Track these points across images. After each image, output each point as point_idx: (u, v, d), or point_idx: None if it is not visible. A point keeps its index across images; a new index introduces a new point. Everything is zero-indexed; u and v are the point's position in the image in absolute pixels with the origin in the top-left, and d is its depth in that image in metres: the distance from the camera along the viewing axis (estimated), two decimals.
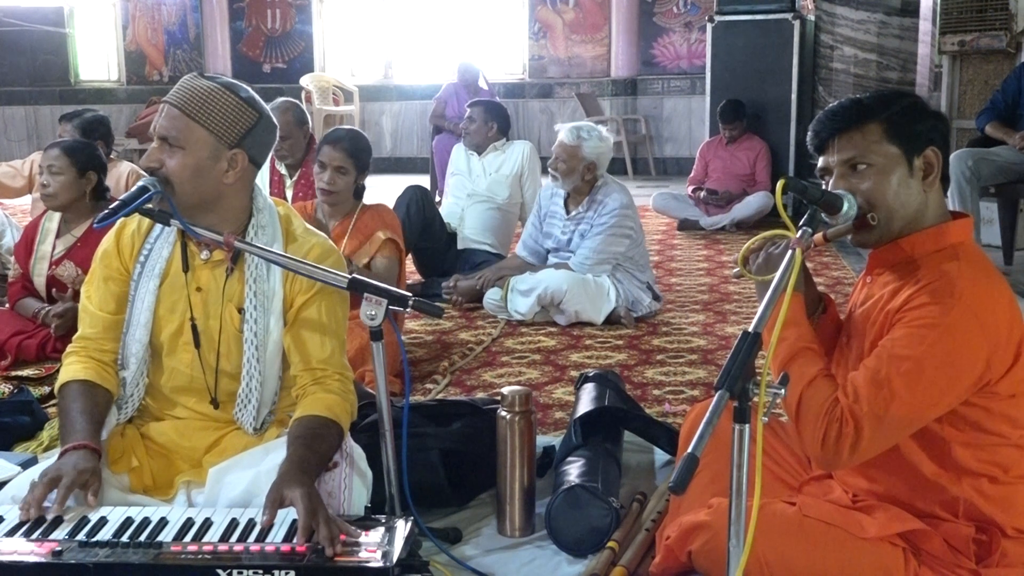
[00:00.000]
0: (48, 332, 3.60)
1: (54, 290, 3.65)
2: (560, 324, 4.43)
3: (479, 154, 5.57)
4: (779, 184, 1.68)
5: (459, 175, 5.63)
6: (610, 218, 4.41)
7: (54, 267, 3.67)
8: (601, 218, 4.43)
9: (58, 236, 3.72)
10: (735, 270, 1.96)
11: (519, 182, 5.51)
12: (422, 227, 5.08)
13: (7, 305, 3.85)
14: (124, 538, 1.77)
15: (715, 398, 1.43)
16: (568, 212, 4.56)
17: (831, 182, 1.83)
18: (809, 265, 1.96)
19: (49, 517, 1.83)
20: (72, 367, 2.11)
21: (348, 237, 3.67)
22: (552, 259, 4.65)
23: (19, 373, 3.51)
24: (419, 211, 5.07)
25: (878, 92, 2.01)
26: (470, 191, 5.49)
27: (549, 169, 4.50)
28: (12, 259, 4.00)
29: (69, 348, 2.17)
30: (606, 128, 4.60)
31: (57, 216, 3.75)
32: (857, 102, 1.84)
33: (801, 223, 1.74)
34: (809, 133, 1.89)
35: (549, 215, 4.66)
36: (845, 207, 1.77)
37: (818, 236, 1.81)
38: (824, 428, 1.70)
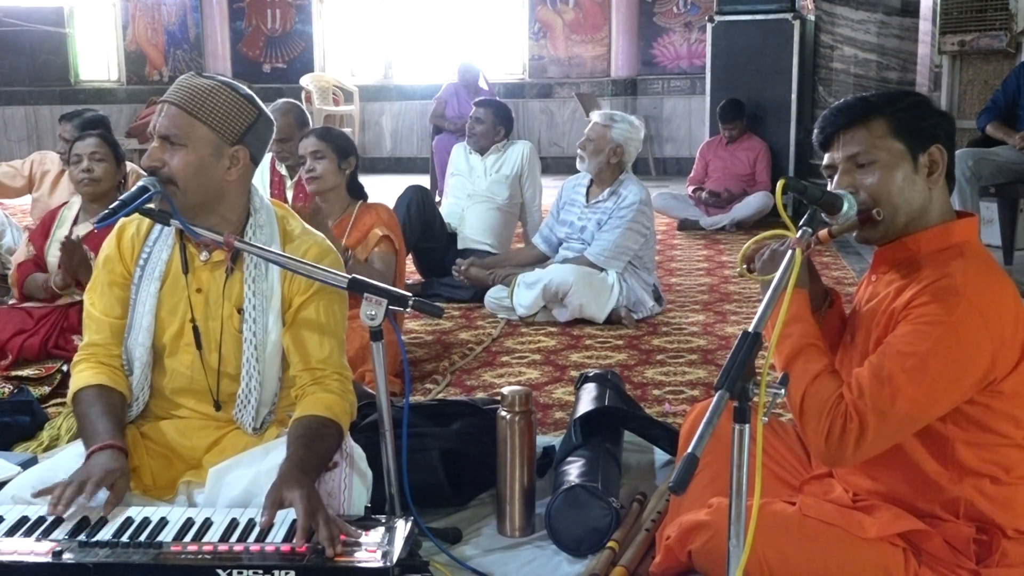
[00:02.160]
0: (50, 329, 3.61)
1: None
2: (561, 321, 4.43)
3: (481, 155, 5.57)
4: (779, 184, 1.68)
5: (459, 175, 5.63)
6: (628, 211, 4.44)
7: (62, 244, 3.71)
8: (620, 210, 4.46)
9: (75, 223, 3.80)
10: (739, 269, 1.97)
11: (519, 182, 5.51)
12: (422, 227, 5.08)
13: (10, 302, 3.88)
14: (124, 538, 1.77)
15: (715, 398, 1.43)
16: (588, 200, 4.59)
17: (836, 178, 1.83)
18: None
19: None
20: (83, 374, 2.10)
21: (346, 235, 3.68)
22: (563, 251, 4.66)
23: (19, 373, 3.51)
24: (419, 211, 5.07)
25: (884, 90, 2.02)
26: (470, 191, 5.48)
27: (577, 149, 4.56)
28: (12, 259, 4.03)
29: (77, 356, 2.15)
30: (640, 121, 4.67)
31: (76, 205, 3.85)
32: (863, 99, 1.85)
33: (801, 223, 1.74)
34: (815, 130, 1.89)
35: (568, 203, 4.70)
36: (845, 207, 1.77)
37: (823, 232, 1.81)
38: (828, 424, 1.70)
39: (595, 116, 4.59)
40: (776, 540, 1.78)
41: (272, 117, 2.15)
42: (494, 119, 5.52)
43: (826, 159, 1.87)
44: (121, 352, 2.14)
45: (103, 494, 1.87)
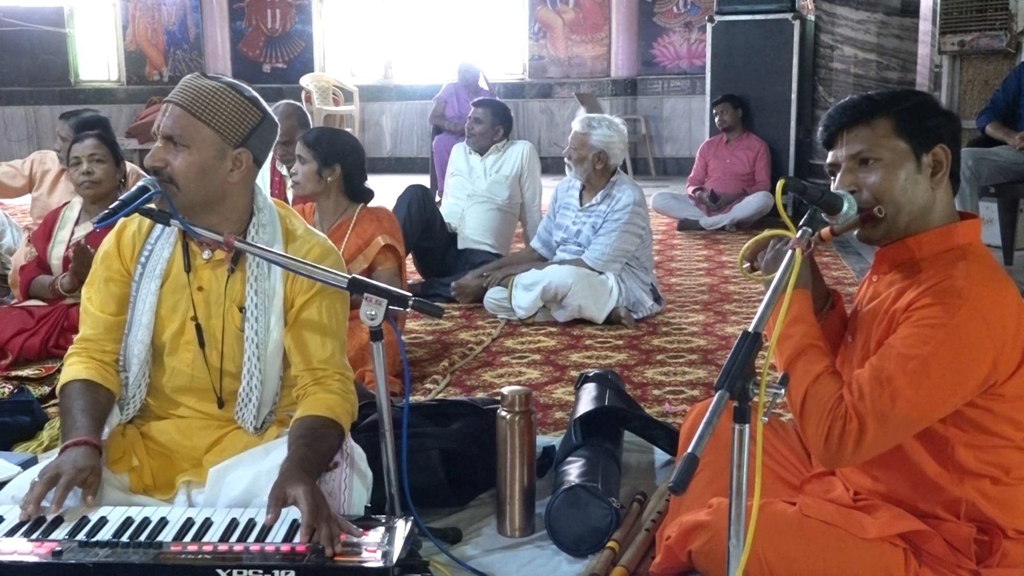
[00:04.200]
0: (51, 329, 3.61)
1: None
2: (560, 321, 4.43)
3: (481, 155, 5.57)
4: (779, 184, 1.68)
5: (459, 175, 5.64)
6: (623, 214, 4.43)
7: (71, 250, 3.72)
8: (615, 213, 4.46)
9: (77, 223, 3.80)
10: (740, 269, 1.97)
11: (519, 182, 5.51)
12: (422, 227, 5.08)
13: (13, 301, 3.88)
14: (124, 538, 1.77)
15: (715, 398, 1.43)
16: (582, 204, 4.59)
17: (839, 176, 1.83)
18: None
19: (49, 517, 1.82)
20: (73, 367, 2.12)
21: (346, 240, 3.64)
22: (560, 253, 4.66)
23: (19, 373, 3.51)
24: (419, 211, 5.07)
25: (890, 90, 2.01)
26: (470, 191, 5.49)
27: (564, 159, 4.57)
28: (12, 259, 4.04)
29: (70, 349, 2.17)
30: (620, 120, 4.64)
31: (78, 205, 3.87)
32: (867, 97, 1.84)
33: (801, 223, 1.74)
34: (819, 128, 1.89)
35: (563, 206, 4.70)
36: (845, 207, 1.77)
37: (825, 230, 1.80)
38: (828, 425, 1.70)
39: (575, 124, 4.57)
40: (776, 540, 1.78)
41: (276, 120, 2.15)
42: (493, 119, 5.52)
43: (829, 157, 1.87)
44: (114, 348, 2.15)
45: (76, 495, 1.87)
